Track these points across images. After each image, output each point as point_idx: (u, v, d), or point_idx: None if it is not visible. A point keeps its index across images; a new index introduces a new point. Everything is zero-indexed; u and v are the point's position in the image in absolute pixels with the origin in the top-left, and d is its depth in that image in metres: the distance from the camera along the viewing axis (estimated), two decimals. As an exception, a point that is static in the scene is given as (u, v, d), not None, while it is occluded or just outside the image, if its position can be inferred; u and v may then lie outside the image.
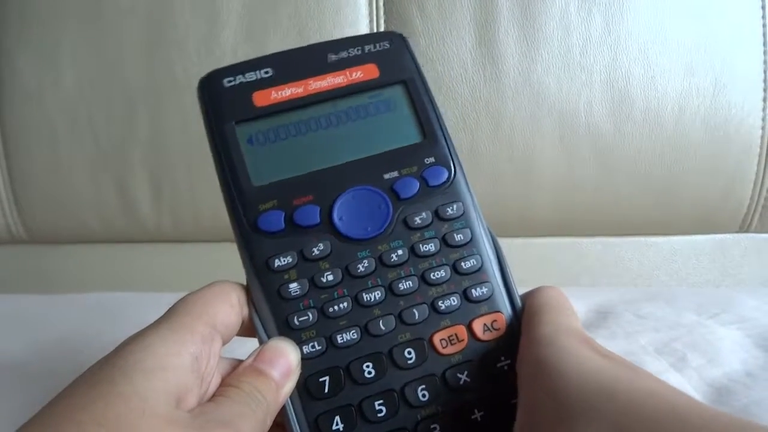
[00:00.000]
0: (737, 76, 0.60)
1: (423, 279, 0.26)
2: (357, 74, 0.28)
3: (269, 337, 0.25)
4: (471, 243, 0.26)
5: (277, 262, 0.25)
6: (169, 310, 0.24)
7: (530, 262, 0.65)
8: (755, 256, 0.67)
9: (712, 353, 0.39)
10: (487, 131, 0.61)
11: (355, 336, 0.25)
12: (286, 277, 0.25)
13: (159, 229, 0.65)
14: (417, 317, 0.25)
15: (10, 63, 0.63)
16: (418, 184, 0.26)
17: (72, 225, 0.66)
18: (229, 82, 0.27)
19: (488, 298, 0.26)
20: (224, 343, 0.24)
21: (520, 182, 0.62)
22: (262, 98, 0.27)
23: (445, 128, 0.28)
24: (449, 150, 0.27)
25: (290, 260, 0.25)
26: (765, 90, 0.61)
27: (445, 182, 0.27)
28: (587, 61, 0.60)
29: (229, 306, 0.25)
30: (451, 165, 0.27)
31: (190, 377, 0.21)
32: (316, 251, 0.25)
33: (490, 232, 0.27)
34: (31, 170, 0.65)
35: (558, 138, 0.60)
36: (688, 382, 0.36)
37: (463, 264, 0.26)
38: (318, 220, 0.26)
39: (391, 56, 0.28)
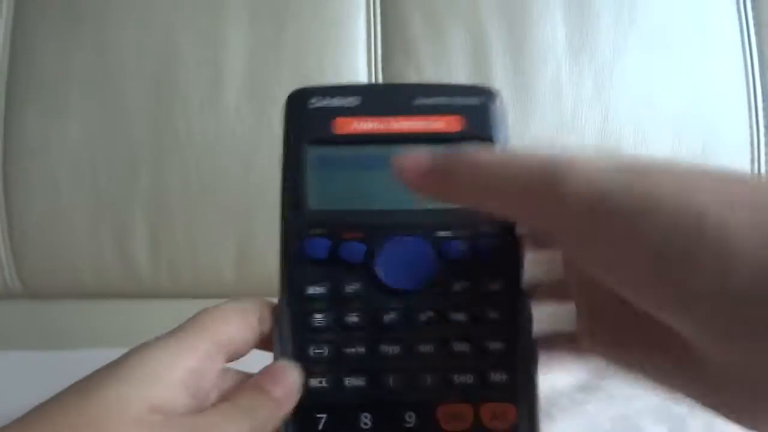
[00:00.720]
0: (725, 140, 0.62)
1: (445, 347, 0.25)
2: (440, 124, 0.27)
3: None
4: (503, 324, 0.25)
5: (311, 290, 0.25)
6: (186, 321, 0.24)
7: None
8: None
9: (713, 419, 0.39)
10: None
11: (362, 383, 0.24)
12: (315, 306, 0.25)
13: (157, 284, 0.65)
14: (428, 383, 0.25)
15: (17, 118, 0.65)
16: (467, 249, 0.26)
17: (69, 279, 0.66)
18: (315, 102, 0.27)
19: (504, 387, 0.25)
20: (233, 358, 0.25)
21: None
22: (343, 126, 0.27)
23: None
24: (509, 222, 0.26)
25: (323, 291, 0.25)
26: (752, 153, 0.62)
27: (494, 254, 0.26)
28: (579, 122, 0.62)
29: (244, 323, 0.25)
30: (506, 238, 0.26)
31: (179, 390, 0.22)
32: (349, 289, 0.25)
33: (530, 317, 0.25)
34: (31, 223, 0.65)
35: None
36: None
37: (488, 344, 0.25)
38: (361, 259, 0.25)
39: (479, 112, 0.27)
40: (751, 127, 0.62)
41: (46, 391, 0.47)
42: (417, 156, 0.24)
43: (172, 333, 0.24)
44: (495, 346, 0.25)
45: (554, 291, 0.27)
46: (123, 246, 0.64)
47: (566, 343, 0.26)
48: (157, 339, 0.23)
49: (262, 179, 0.63)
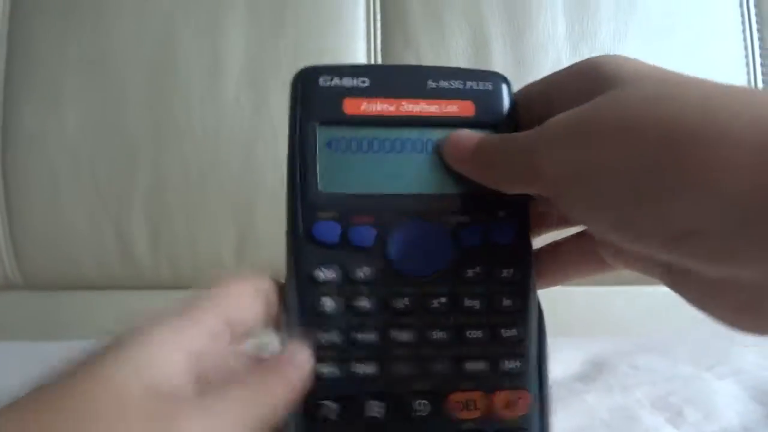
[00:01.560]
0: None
1: (458, 334, 0.24)
2: (452, 107, 0.26)
3: None
4: (517, 312, 0.25)
5: (320, 274, 0.24)
6: (193, 297, 0.23)
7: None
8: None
9: (709, 407, 0.39)
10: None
11: (373, 371, 0.24)
12: (324, 291, 0.24)
13: (157, 275, 0.65)
14: (440, 370, 0.24)
15: (15, 108, 0.65)
16: (480, 235, 0.25)
17: (69, 270, 0.66)
18: (325, 81, 0.26)
19: (519, 374, 0.24)
20: (241, 339, 0.24)
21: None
22: (353, 106, 0.26)
23: None
24: (523, 209, 0.26)
25: (333, 276, 0.24)
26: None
27: (509, 241, 0.25)
28: (580, 112, 0.61)
29: (257, 301, 0.24)
30: (519, 226, 0.26)
31: (182, 373, 0.21)
32: (360, 274, 0.24)
33: (539, 306, 0.26)
34: (31, 215, 0.65)
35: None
36: (685, 438, 0.36)
37: (502, 331, 0.25)
38: (372, 243, 0.25)
39: (491, 98, 0.27)
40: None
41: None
42: (468, 137, 0.25)
43: (178, 309, 0.22)
44: (508, 333, 0.25)
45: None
46: (123, 236, 0.64)
47: (586, 254, 0.27)
48: (162, 315, 0.22)
49: (261, 170, 0.63)
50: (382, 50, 0.65)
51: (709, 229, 0.18)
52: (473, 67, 0.28)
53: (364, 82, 0.26)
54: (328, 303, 0.24)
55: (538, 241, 0.27)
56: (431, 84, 0.26)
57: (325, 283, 0.24)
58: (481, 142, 0.25)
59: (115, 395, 0.19)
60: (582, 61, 0.24)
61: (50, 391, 0.20)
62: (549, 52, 0.63)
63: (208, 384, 0.22)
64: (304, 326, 0.24)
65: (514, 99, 0.27)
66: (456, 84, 0.26)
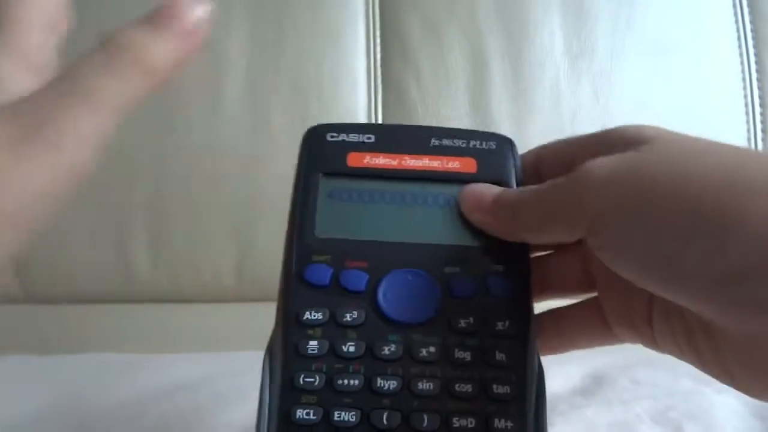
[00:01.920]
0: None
1: (446, 388, 0.23)
2: (454, 164, 0.27)
3: (271, 392, 0.23)
4: (512, 368, 0.24)
5: (307, 315, 0.24)
6: None
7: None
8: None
9: (709, 422, 0.39)
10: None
11: (353, 419, 0.23)
12: (310, 332, 0.24)
13: (157, 289, 0.65)
14: (425, 425, 0.23)
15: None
16: (476, 287, 0.25)
17: (69, 284, 0.66)
18: (332, 137, 0.27)
19: None
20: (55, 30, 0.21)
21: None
22: (356, 159, 0.27)
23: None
24: (523, 263, 0.26)
25: (320, 317, 0.24)
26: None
27: (506, 294, 0.25)
28: (577, 128, 0.62)
29: (44, 32, 0.20)
30: (518, 278, 0.25)
31: (14, 66, 0.18)
32: (348, 317, 0.24)
33: (538, 361, 0.25)
34: (32, 229, 0.65)
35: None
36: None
37: (495, 387, 0.23)
38: (363, 288, 0.25)
39: (494, 157, 0.27)
40: (748, 131, 0.63)
41: (47, 396, 0.48)
42: (487, 187, 0.26)
43: None
44: (501, 390, 0.23)
45: (576, 286, 0.28)
46: (123, 251, 0.65)
47: (593, 322, 0.26)
48: None
49: (261, 185, 0.63)
50: (381, 67, 0.65)
51: (759, 274, 0.17)
52: (478, 129, 0.29)
53: (369, 138, 0.27)
54: (312, 344, 0.24)
55: (540, 306, 0.27)
56: (434, 141, 0.27)
57: (312, 325, 0.24)
58: (501, 192, 0.25)
59: None
60: (607, 129, 0.25)
61: None
62: (547, 69, 0.63)
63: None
64: (286, 368, 0.24)
65: (521, 159, 0.27)
66: (459, 142, 0.27)
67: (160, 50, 0.19)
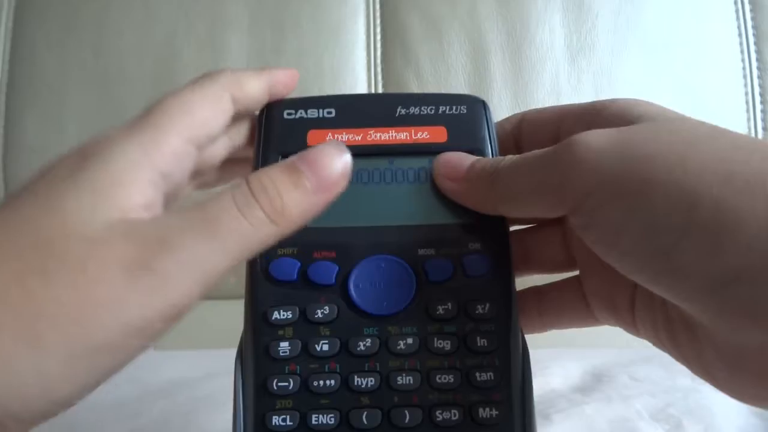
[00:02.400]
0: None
1: (427, 379, 0.22)
2: (423, 134, 0.25)
3: (245, 399, 0.22)
4: (494, 352, 0.22)
5: (275, 315, 0.23)
6: (145, 113, 0.20)
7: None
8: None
9: (709, 420, 0.39)
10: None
11: (332, 422, 0.22)
12: (280, 333, 0.22)
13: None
14: (407, 421, 0.22)
15: (17, 122, 0.65)
16: (453, 269, 0.23)
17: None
18: (289, 114, 0.25)
19: (497, 424, 0.22)
20: (206, 148, 0.22)
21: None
22: (317, 138, 0.25)
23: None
24: (502, 239, 0.24)
25: (290, 316, 0.23)
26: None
27: (485, 274, 0.23)
28: (578, 125, 0.62)
29: (217, 107, 0.21)
30: (497, 257, 0.23)
31: (148, 192, 0.18)
32: (319, 314, 0.23)
33: (523, 345, 0.23)
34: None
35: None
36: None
37: (477, 374, 0.22)
38: (332, 281, 0.23)
39: (466, 122, 0.25)
40: (749, 129, 0.63)
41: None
42: (460, 157, 0.24)
43: (134, 127, 0.20)
44: (484, 376, 0.22)
45: (558, 264, 0.26)
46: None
47: (573, 303, 0.25)
48: (116, 135, 0.19)
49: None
50: (382, 63, 0.65)
51: (754, 278, 0.16)
52: (456, 93, 0.27)
53: (330, 112, 0.25)
54: (284, 346, 0.22)
55: (523, 283, 0.25)
56: (401, 110, 0.25)
57: (282, 324, 0.23)
58: (478, 160, 0.23)
59: (81, 226, 0.17)
60: (602, 100, 0.23)
61: (9, 225, 0.17)
62: (547, 65, 0.63)
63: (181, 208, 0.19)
64: (258, 373, 0.22)
65: (499, 127, 0.26)
66: (427, 110, 0.25)
67: (296, 202, 0.19)
